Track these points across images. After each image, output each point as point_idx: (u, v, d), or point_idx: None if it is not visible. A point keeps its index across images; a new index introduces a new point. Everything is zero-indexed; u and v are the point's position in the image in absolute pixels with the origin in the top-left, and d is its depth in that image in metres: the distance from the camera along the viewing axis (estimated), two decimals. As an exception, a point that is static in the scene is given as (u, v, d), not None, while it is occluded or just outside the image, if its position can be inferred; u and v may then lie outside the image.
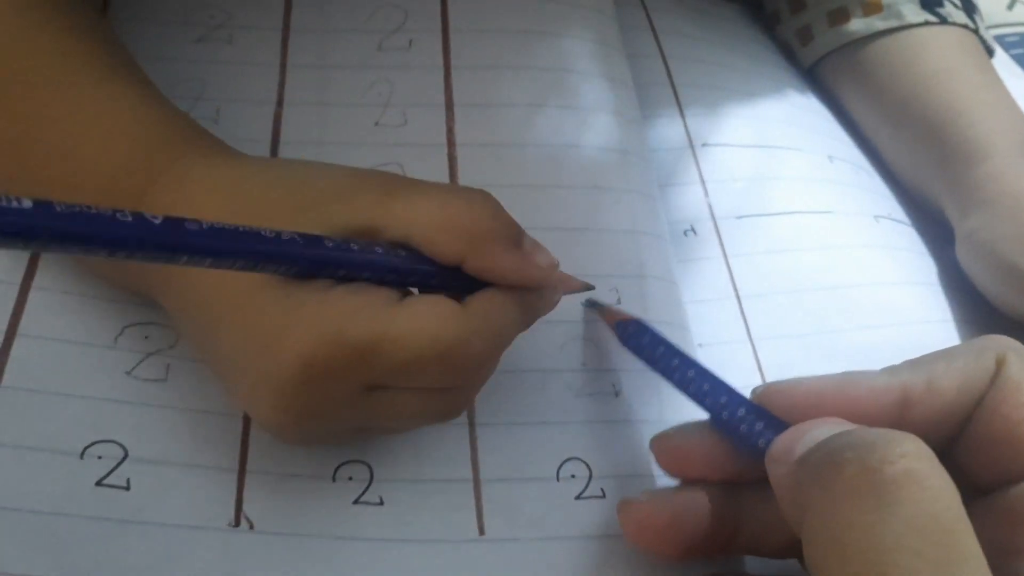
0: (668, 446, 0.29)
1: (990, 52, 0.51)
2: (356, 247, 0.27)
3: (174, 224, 0.22)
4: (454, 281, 0.29)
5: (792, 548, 0.29)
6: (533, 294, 0.30)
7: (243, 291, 0.28)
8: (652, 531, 0.29)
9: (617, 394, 0.35)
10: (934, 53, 0.48)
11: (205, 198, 0.30)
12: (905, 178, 0.49)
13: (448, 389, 0.29)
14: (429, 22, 0.44)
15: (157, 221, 0.22)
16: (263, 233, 0.25)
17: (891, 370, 0.27)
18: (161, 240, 0.22)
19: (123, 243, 0.21)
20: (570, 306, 0.37)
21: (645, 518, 0.29)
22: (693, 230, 0.43)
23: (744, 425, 0.27)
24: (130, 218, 0.21)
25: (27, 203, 0.19)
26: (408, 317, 0.26)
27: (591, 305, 0.36)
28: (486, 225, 0.28)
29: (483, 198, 0.29)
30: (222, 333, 0.29)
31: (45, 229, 0.19)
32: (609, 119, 0.42)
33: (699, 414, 0.29)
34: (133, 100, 0.32)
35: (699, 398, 0.29)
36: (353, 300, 0.26)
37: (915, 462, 0.21)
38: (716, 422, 0.29)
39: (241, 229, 0.24)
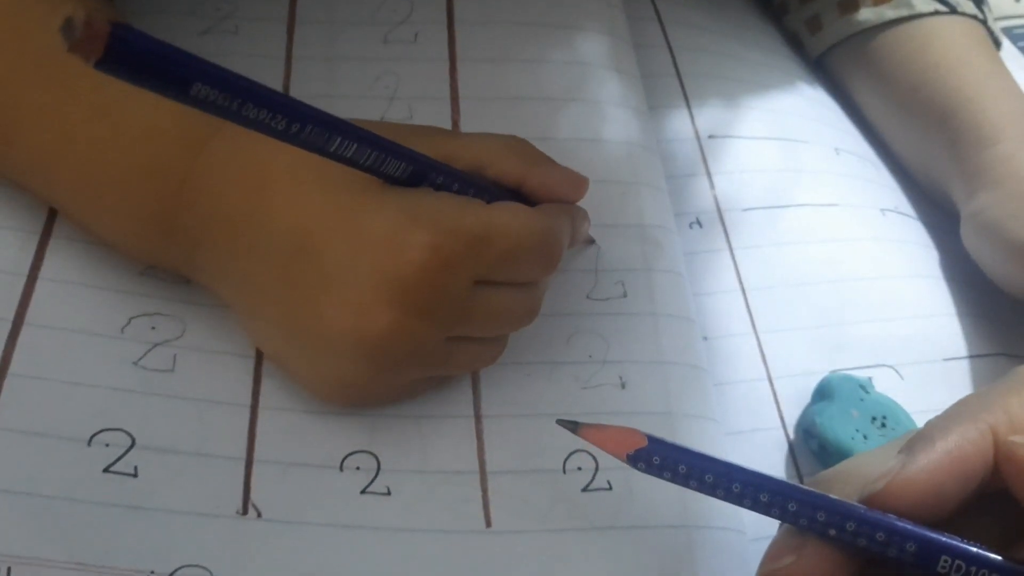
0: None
1: (997, 44, 0.51)
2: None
3: (331, 117, 0.27)
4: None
5: None
6: (575, 210, 0.36)
7: (350, 201, 0.30)
8: None
9: (623, 386, 0.35)
10: (944, 42, 0.48)
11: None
12: (912, 165, 0.48)
13: (531, 286, 0.34)
14: (435, 14, 0.43)
15: (315, 110, 0.27)
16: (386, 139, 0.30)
17: (962, 413, 0.25)
18: (324, 120, 0.27)
19: (299, 116, 0.26)
20: (577, 300, 0.37)
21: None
22: (699, 222, 0.43)
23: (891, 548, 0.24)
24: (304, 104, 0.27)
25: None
26: (505, 212, 0.32)
27: (567, 426, 0.27)
28: (536, 151, 0.36)
29: (522, 138, 0.36)
30: (325, 249, 0.30)
31: (252, 93, 0.26)
32: (616, 111, 0.42)
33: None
34: None
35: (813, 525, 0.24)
36: (459, 199, 0.31)
37: None
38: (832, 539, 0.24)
39: (375, 133, 0.29)
